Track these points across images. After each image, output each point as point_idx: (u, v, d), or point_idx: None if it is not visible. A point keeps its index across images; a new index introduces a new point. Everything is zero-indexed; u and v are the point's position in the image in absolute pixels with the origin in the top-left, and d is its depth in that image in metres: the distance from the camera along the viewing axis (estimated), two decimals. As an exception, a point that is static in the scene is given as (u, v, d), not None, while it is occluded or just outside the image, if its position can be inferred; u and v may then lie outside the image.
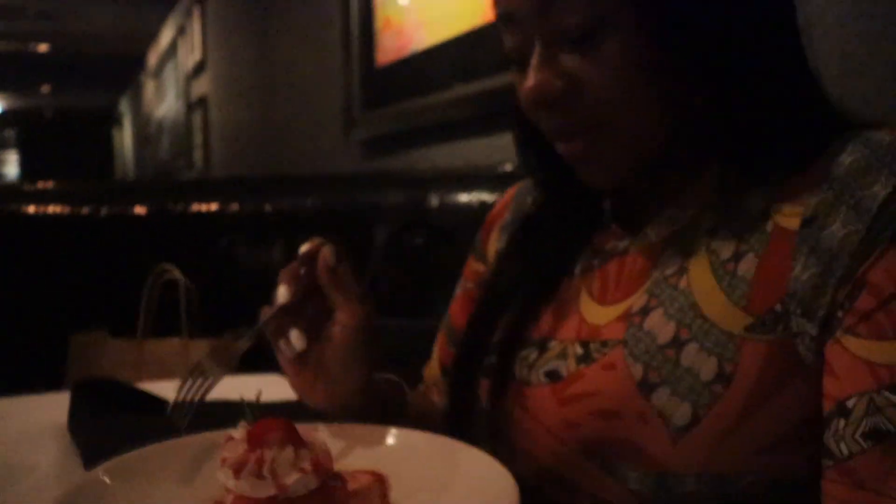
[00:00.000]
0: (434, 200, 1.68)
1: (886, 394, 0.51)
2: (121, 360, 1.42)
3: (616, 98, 0.60)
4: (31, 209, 1.61)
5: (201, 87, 6.21)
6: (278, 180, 1.84)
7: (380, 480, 0.58)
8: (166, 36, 8.21)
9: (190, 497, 0.60)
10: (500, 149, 1.95)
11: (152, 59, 9.70)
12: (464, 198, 1.67)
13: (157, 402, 0.94)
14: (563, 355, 0.67)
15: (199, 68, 6.19)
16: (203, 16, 5.93)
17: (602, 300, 0.68)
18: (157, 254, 1.56)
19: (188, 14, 6.54)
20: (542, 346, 0.70)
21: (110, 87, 13.22)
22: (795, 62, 0.63)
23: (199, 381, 0.66)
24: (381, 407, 0.74)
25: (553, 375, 0.67)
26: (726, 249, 0.61)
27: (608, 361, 0.64)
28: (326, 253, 0.70)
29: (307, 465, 0.54)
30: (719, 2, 0.60)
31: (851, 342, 0.53)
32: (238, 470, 0.53)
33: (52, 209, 1.65)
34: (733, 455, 0.57)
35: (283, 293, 0.69)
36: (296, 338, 0.69)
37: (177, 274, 1.47)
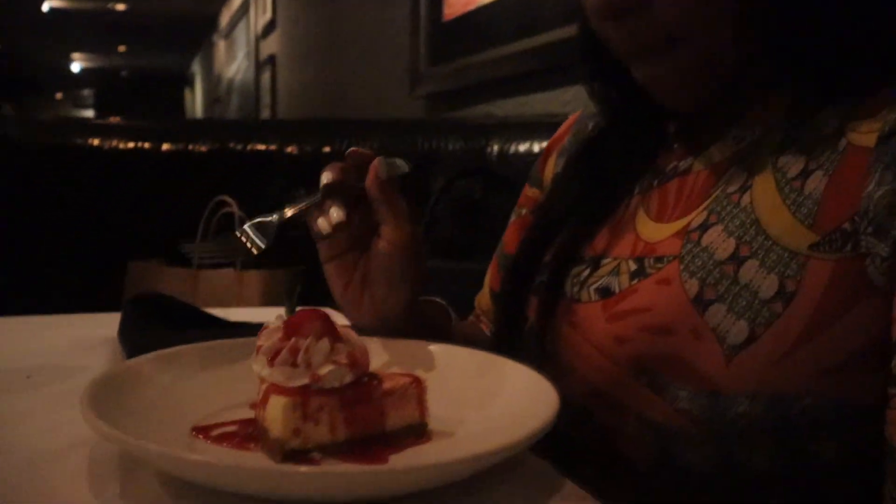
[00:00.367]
0: (493, 148, 1.66)
1: None
2: (176, 288, 1.44)
3: (690, 11, 0.57)
4: (97, 142, 1.64)
5: (270, 46, 6.27)
6: (338, 123, 1.84)
7: (416, 382, 0.56)
8: (239, -4, 8.30)
9: (225, 395, 0.60)
10: (563, 103, 1.91)
11: (224, 19, 9.83)
12: (523, 147, 1.64)
13: (209, 319, 0.95)
14: (616, 271, 0.65)
15: (269, 28, 6.25)
16: (275, -25, 5.97)
17: (660, 218, 0.66)
18: (215, 190, 1.58)
19: (261, -27, 6.59)
20: (595, 264, 0.68)
21: (183, 48, 13.48)
22: None
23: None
24: (425, 329, 0.73)
25: (605, 292, 0.65)
26: (794, 167, 0.58)
27: (662, 276, 0.61)
28: (378, 164, 0.68)
29: (342, 359, 0.53)
30: None
31: None
32: (272, 358, 0.53)
33: (120, 144, 1.68)
34: (791, 375, 0.53)
35: (326, 176, 0.67)
36: (335, 211, 0.66)
37: (234, 206, 1.49)
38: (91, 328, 1.00)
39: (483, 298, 0.89)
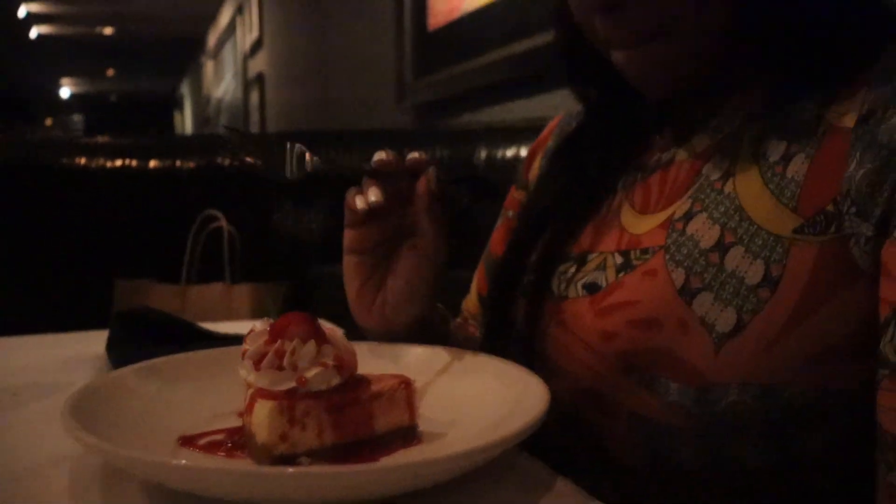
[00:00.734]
0: (481, 155, 1.65)
1: None
2: (165, 305, 1.43)
3: (681, 1, 0.57)
4: (83, 160, 1.64)
5: (258, 65, 6.29)
6: (324, 135, 1.83)
7: (405, 384, 0.55)
8: (225, 16, 8.34)
9: (212, 404, 0.59)
10: (550, 108, 1.91)
11: (212, 39, 9.86)
12: (510, 152, 1.64)
13: (197, 331, 0.94)
14: (602, 266, 0.65)
15: (256, 46, 6.26)
16: (260, -6, 5.99)
17: (644, 210, 0.65)
18: (203, 206, 1.57)
19: (246, -7, 6.62)
20: (582, 260, 0.67)
21: (172, 70, 13.51)
22: None
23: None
24: (426, 339, 0.72)
25: (592, 287, 0.64)
26: (775, 152, 0.58)
27: (648, 268, 0.60)
28: (432, 174, 0.66)
29: (329, 361, 0.52)
30: None
31: None
32: (258, 362, 0.52)
33: (107, 162, 1.67)
34: (780, 364, 0.53)
35: (379, 156, 0.65)
36: (374, 191, 0.64)
37: (222, 220, 1.48)
38: (79, 346, 0.99)
39: (470, 302, 0.89)
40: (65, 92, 16.20)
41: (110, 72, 14.00)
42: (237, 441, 0.54)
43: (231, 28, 7.92)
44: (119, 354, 0.88)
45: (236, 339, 0.78)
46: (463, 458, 0.47)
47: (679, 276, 0.58)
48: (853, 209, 0.52)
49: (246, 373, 0.53)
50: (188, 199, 1.63)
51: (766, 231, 0.55)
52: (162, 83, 14.87)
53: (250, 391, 0.53)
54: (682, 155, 0.66)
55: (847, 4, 0.59)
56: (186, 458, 0.52)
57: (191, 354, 0.66)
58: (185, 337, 0.95)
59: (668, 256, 0.60)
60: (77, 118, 17.42)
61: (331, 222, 1.52)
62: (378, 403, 0.54)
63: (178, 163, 1.66)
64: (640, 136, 0.72)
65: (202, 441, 0.54)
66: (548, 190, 0.76)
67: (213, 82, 10.07)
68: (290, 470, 0.45)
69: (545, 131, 0.86)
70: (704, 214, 0.60)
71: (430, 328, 0.72)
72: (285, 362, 0.51)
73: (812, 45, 0.59)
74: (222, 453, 0.53)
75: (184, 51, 11.53)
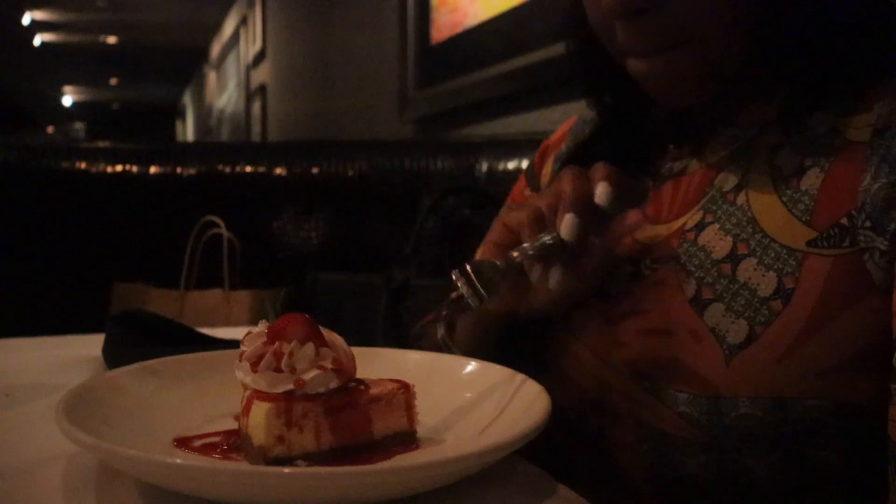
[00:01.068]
0: (482, 167, 1.65)
1: None
2: (163, 309, 1.42)
3: (705, 10, 0.56)
4: (84, 165, 1.63)
5: (261, 76, 6.30)
6: (326, 144, 1.83)
7: (405, 388, 0.55)
8: (229, 27, 8.37)
9: (208, 406, 0.58)
10: (551, 122, 1.91)
11: (215, 50, 9.89)
12: (511, 164, 1.63)
13: (194, 335, 0.93)
14: (612, 275, 0.64)
15: (259, 57, 6.28)
16: (265, 5, 6.01)
17: (656, 219, 0.65)
18: (204, 212, 1.56)
19: (250, 5, 6.64)
20: None
21: (175, 79, 13.53)
22: None
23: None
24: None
25: (601, 295, 0.64)
26: (790, 165, 0.58)
27: (659, 277, 0.60)
28: (637, 219, 0.63)
29: (328, 363, 0.52)
30: None
31: None
32: (255, 363, 0.51)
33: (107, 167, 1.67)
34: (792, 376, 0.52)
35: (567, 232, 0.57)
36: (556, 273, 0.58)
37: (221, 226, 1.47)
38: (75, 348, 0.98)
39: None
40: (67, 100, 16.24)
41: (113, 80, 14.04)
42: (233, 443, 0.53)
43: (234, 39, 7.94)
44: (115, 356, 0.87)
45: (233, 344, 0.77)
46: (460, 462, 0.46)
47: (690, 286, 0.58)
48: (868, 223, 0.52)
49: (243, 374, 0.52)
50: (188, 204, 1.63)
51: (779, 243, 0.55)
52: (164, 92, 14.90)
53: (247, 393, 0.52)
54: (694, 164, 0.65)
55: (866, 18, 0.59)
56: (181, 460, 0.51)
57: (187, 356, 0.65)
58: (181, 340, 0.94)
59: (679, 266, 0.59)
60: (79, 126, 17.45)
61: (330, 230, 1.52)
62: (377, 407, 0.53)
63: (178, 169, 1.66)
64: (652, 145, 0.71)
65: (198, 443, 0.54)
66: None
67: (216, 92, 10.09)
68: (287, 470, 0.44)
69: (558, 132, 0.85)
70: (716, 225, 0.59)
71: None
72: (283, 364, 0.51)
73: (831, 57, 0.58)
74: (218, 455, 0.52)
75: (187, 61, 11.57)
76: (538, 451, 0.52)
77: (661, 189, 0.67)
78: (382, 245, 1.55)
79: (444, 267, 1.44)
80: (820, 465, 0.53)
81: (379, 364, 0.65)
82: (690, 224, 0.61)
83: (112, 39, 10.86)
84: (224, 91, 9.17)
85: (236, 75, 7.91)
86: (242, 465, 0.50)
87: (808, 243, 0.54)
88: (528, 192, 0.85)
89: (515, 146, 1.70)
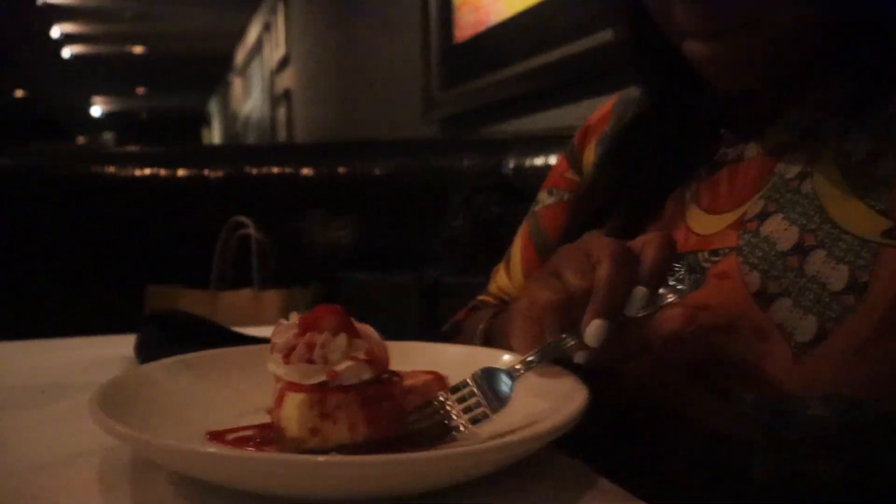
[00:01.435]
0: (510, 163, 1.64)
1: None
2: (195, 310, 1.43)
3: None
4: (113, 169, 1.65)
5: (285, 81, 6.35)
6: (352, 144, 1.84)
7: (439, 379, 0.54)
8: (253, 33, 8.44)
9: (241, 400, 0.58)
10: (578, 118, 1.90)
11: (239, 56, 9.98)
12: (539, 161, 1.62)
13: (227, 334, 0.93)
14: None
15: (283, 63, 6.32)
16: (287, 11, 6.06)
17: (712, 209, 0.62)
18: (232, 213, 1.57)
19: (273, 11, 6.70)
20: None
21: (201, 87, 13.68)
22: None
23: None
24: None
25: None
26: (860, 150, 0.55)
27: (720, 271, 0.57)
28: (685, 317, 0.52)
29: (361, 355, 0.51)
30: None
31: None
32: (287, 355, 0.51)
33: (136, 171, 1.69)
34: (864, 376, 0.49)
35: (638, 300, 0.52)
36: (596, 327, 0.51)
37: (250, 226, 1.48)
38: (107, 348, 0.99)
39: (507, 285, 0.84)
40: (96, 110, 16.48)
41: (140, 90, 14.23)
42: (266, 437, 0.53)
43: (258, 45, 8.01)
44: (147, 355, 0.87)
45: (267, 341, 0.77)
46: (497, 452, 0.45)
47: (754, 279, 0.55)
48: None
49: (275, 366, 0.51)
50: (216, 206, 1.64)
51: (850, 234, 0.52)
52: (191, 100, 15.07)
53: (279, 385, 0.51)
54: (752, 151, 0.62)
55: None
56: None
57: (220, 350, 0.65)
58: (214, 338, 0.94)
59: (741, 259, 0.56)
60: (108, 136, 17.69)
61: (359, 230, 1.52)
62: (412, 399, 0.52)
63: (206, 171, 1.67)
64: (704, 130, 0.68)
65: (231, 436, 0.53)
66: (603, 185, 0.72)
67: (241, 99, 10.18)
68: (322, 458, 0.43)
69: (599, 113, 0.81)
70: (780, 215, 0.56)
71: None
72: (315, 355, 0.50)
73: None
74: (251, 448, 0.52)
75: (212, 68, 11.69)
76: (582, 447, 0.51)
77: (716, 177, 0.63)
78: (411, 244, 1.54)
79: (475, 265, 1.44)
80: (892, 471, 0.50)
81: (413, 356, 0.64)
82: (751, 213, 0.58)
83: (139, 49, 11.01)
84: (249, 97, 9.25)
85: (261, 81, 7.97)
86: (279, 455, 0.49)
87: (884, 234, 0.51)
88: (571, 174, 0.81)
89: (542, 142, 1.68)
